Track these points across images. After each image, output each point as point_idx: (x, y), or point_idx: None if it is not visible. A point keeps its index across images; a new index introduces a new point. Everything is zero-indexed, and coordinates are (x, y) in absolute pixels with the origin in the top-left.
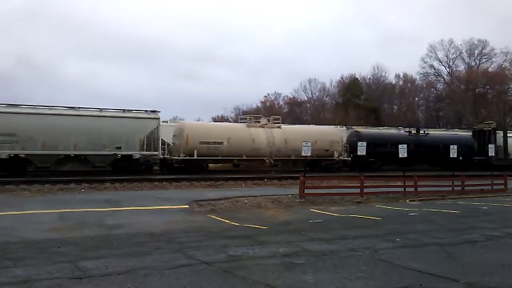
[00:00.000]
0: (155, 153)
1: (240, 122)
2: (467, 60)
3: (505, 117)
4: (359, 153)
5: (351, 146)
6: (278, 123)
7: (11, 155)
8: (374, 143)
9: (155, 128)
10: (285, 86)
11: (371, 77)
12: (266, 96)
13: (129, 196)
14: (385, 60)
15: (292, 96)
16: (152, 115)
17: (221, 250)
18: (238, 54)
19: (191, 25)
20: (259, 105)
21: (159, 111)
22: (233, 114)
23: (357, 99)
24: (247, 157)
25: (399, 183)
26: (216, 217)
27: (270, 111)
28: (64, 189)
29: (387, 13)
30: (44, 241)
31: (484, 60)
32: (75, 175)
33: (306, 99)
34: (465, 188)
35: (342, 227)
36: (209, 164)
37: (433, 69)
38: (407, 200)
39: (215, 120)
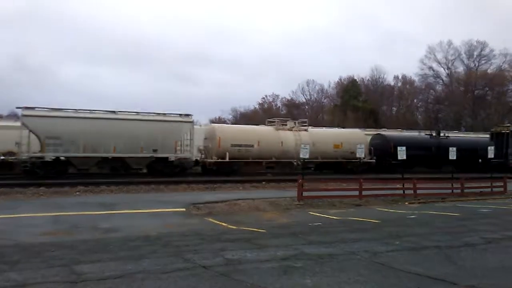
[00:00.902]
0: (189, 155)
1: (268, 125)
2: (466, 61)
3: (504, 119)
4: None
5: (375, 149)
6: (305, 126)
7: (55, 157)
8: (399, 146)
9: (189, 131)
10: (283, 88)
11: (370, 79)
12: (264, 98)
13: (125, 199)
14: (384, 61)
15: (290, 98)
16: (186, 119)
17: (218, 253)
18: (235, 56)
19: (188, 27)
20: (257, 106)
21: (192, 115)
22: (231, 116)
23: (356, 100)
24: (276, 159)
25: (398, 186)
26: (213, 220)
27: (268, 112)
28: (59, 192)
29: (385, 15)
30: (39, 245)
31: (483, 61)
32: (71, 178)
33: (304, 100)
34: (465, 190)
35: (341, 230)
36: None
37: (432, 71)
38: (406, 203)
39: (212, 121)
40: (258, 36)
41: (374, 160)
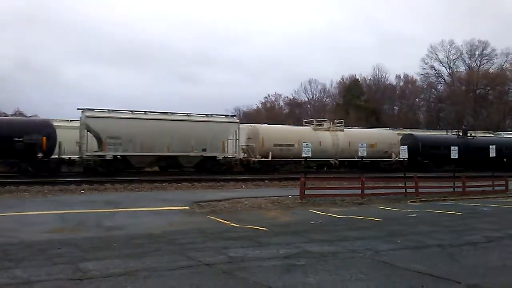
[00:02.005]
0: (235, 154)
1: (306, 126)
2: (467, 61)
3: (506, 118)
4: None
5: (409, 148)
6: (341, 126)
7: (115, 156)
8: (428, 146)
9: (235, 132)
10: (285, 87)
11: (372, 78)
12: (266, 97)
13: (129, 197)
14: (386, 61)
15: (292, 97)
16: (233, 120)
17: (221, 251)
18: (238, 56)
19: (190, 28)
20: (260, 106)
21: (236, 116)
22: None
23: (358, 100)
24: (315, 158)
25: (400, 184)
26: (216, 218)
27: (271, 112)
28: (64, 190)
29: (387, 15)
30: (44, 242)
31: (484, 61)
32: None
33: (307, 100)
34: (466, 189)
35: (343, 228)
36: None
37: (433, 70)
38: (408, 201)
39: None
40: (260, 37)
41: (406, 159)
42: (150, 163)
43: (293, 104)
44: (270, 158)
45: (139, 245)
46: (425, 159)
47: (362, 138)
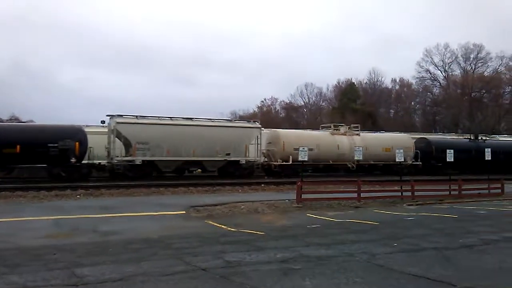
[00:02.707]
0: (258, 158)
1: (323, 130)
2: (463, 64)
3: (501, 121)
4: (430, 159)
5: (421, 152)
6: (358, 130)
7: (143, 160)
8: (441, 149)
9: (257, 136)
10: (282, 91)
11: (368, 82)
12: (262, 101)
13: (126, 202)
14: (381, 64)
15: (288, 101)
16: (255, 125)
17: (218, 255)
18: (234, 59)
19: (187, 31)
20: (256, 110)
21: (258, 121)
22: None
23: (354, 103)
24: (332, 162)
25: (396, 188)
26: (213, 223)
27: (267, 116)
28: (60, 195)
29: (382, 18)
30: (40, 248)
31: (479, 64)
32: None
33: (303, 104)
34: (462, 192)
35: (340, 232)
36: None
37: (429, 74)
38: (405, 205)
39: None
40: (257, 40)
41: (420, 163)
42: (176, 167)
43: (289, 108)
44: (290, 162)
45: (135, 250)
46: (439, 162)
47: (378, 142)
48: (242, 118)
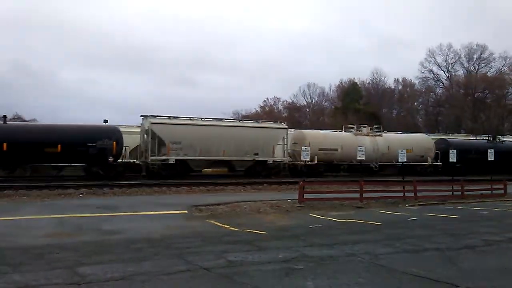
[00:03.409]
0: (284, 159)
1: (345, 131)
2: (466, 64)
3: (504, 122)
4: (450, 159)
5: (441, 153)
6: (380, 131)
7: (176, 160)
8: (461, 150)
9: (284, 137)
10: (284, 91)
11: (370, 82)
12: (265, 101)
13: (128, 201)
14: (384, 65)
15: (291, 101)
16: (282, 126)
17: (220, 255)
18: (236, 60)
19: (188, 32)
20: (258, 109)
21: (285, 122)
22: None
23: (356, 103)
24: (356, 162)
25: (398, 188)
26: (215, 222)
27: (270, 115)
28: (63, 194)
29: (385, 19)
30: (42, 247)
31: (483, 64)
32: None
33: (305, 103)
34: (465, 193)
35: (342, 232)
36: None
37: (432, 74)
38: (407, 205)
39: None
40: (259, 41)
41: (440, 163)
42: (206, 166)
43: (292, 108)
44: (316, 162)
45: (137, 249)
46: (458, 163)
47: (400, 143)
48: (244, 117)
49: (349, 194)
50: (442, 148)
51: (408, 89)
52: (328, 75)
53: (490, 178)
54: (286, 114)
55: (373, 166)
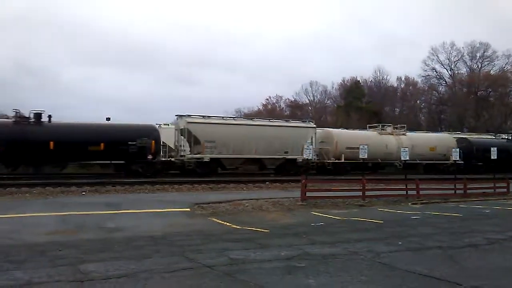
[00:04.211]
0: (312, 157)
1: (370, 130)
2: (469, 63)
3: (507, 120)
4: (472, 158)
5: (463, 152)
6: (404, 130)
7: (211, 158)
8: (482, 149)
9: (312, 136)
10: (286, 89)
11: (373, 80)
12: (267, 99)
13: (130, 199)
14: (387, 63)
15: (293, 99)
16: (311, 125)
17: (222, 253)
18: (238, 58)
19: (190, 30)
20: (261, 108)
21: (313, 121)
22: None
23: (359, 102)
24: (381, 160)
25: (401, 186)
26: (217, 220)
27: (272, 113)
28: (65, 191)
29: (387, 17)
30: (45, 244)
31: (486, 63)
32: (78, 177)
33: (308, 102)
34: (468, 191)
35: (344, 230)
36: None
37: (434, 72)
38: (409, 203)
39: None
40: (260, 39)
41: (462, 162)
42: (238, 164)
43: (294, 106)
44: (343, 160)
45: (139, 247)
46: (479, 162)
47: (424, 142)
48: (247, 115)
49: (352, 192)
50: (464, 147)
51: (410, 88)
52: (331, 73)
53: (493, 176)
54: (288, 112)
55: (397, 164)
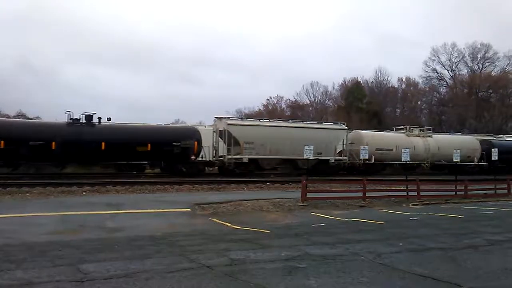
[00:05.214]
0: (344, 158)
1: (398, 132)
2: (470, 64)
3: (508, 121)
4: (493, 158)
5: (486, 153)
6: (430, 132)
7: (250, 158)
8: (504, 151)
9: (344, 138)
10: (287, 89)
11: (374, 81)
12: (268, 100)
13: (131, 199)
14: (388, 64)
15: (294, 100)
16: (343, 127)
17: (223, 253)
18: (238, 59)
19: (190, 30)
20: (261, 108)
21: (345, 123)
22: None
23: (360, 102)
24: (408, 162)
25: (401, 187)
26: (218, 221)
27: (272, 114)
28: (66, 191)
29: (388, 18)
30: (45, 244)
31: (487, 64)
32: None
33: (308, 102)
34: (468, 192)
35: (345, 231)
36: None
37: (436, 73)
38: (410, 204)
39: None
40: (260, 40)
41: (486, 164)
42: (274, 165)
43: (295, 106)
44: (373, 161)
45: (140, 247)
46: (502, 163)
47: (449, 143)
48: (248, 116)
49: (352, 193)
50: (487, 149)
51: (411, 88)
52: (332, 74)
53: (494, 177)
54: (289, 112)
55: (425, 166)
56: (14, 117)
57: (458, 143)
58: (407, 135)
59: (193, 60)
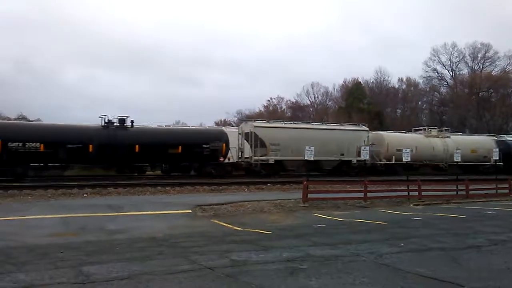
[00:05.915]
0: (366, 158)
1: (416, 133)
2: (470, 63)
3: (509, 121)
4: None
5: (503, 153)
6: (448, 133)
7: (275, 159)
8: None
9: (365, 139)
10: (288, 90)
11: (374, 81)
12: (268, 100)
13: (132, 201)
14: (388, 64)
15: (295, 101)
16: (364, 128)
17: (224, 255)
18: (239, 59)
19: (190, 31)
20: (262, 109)
21: (366, 125)
22: (236, 119)
23: (360, 103)
24: (427, 162)
25: (403, 188)
26: (219, 222)
27: (273, 115)
28: (67, 194)
29: (388, 18)
30: (46, 246)
31: (487, 63)
32: (79, 180)
33: (309, 103)
34: (470, 192)
35: (346, 232)
36: None
37: (436, 73)
38: (411, 205)
39: (217, 124)
40: (260, 41)
41: (502, 163)
42: (298, 166)
43: (296, 107)
44: (393, 162)
45: (141, 249)
46: None
47: (466, 144)
48: (248, 117)
49: (353, 193)
50: (503, 149)
51: (412, 89)
52: (332, 75)
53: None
54: (289, 113)
55: (443, 166)
56: (14, 119)
57: (474, 143)
58: (426, 135)
59: (193, 61)
